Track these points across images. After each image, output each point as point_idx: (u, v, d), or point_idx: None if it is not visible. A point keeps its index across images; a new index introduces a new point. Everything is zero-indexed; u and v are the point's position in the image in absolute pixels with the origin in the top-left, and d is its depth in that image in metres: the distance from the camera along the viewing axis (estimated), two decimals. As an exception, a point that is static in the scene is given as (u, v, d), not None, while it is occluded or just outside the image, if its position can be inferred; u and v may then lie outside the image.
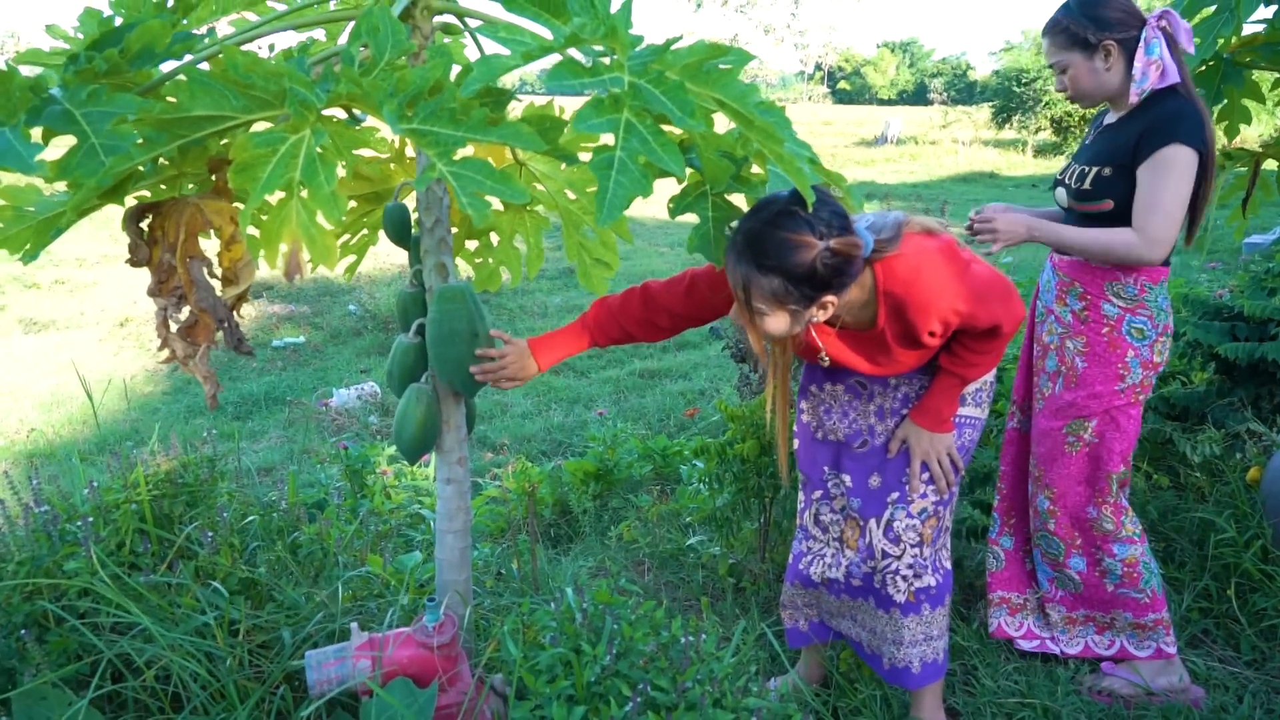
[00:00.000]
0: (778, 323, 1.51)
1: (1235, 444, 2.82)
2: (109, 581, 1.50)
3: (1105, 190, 1.88)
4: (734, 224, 1.49)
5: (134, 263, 1.25)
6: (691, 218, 1.51)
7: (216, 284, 1.35)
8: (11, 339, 8.14)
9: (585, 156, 1.61)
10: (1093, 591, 2.04)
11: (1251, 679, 2.05)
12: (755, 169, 1.54)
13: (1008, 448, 2.25)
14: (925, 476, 1.78)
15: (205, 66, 1.30)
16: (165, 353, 1.29)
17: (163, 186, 1.52)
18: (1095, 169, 1.90)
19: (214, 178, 1.36)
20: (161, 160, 1.56)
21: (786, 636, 2.02)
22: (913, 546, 1.77)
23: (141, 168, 1.53)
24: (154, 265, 1.28)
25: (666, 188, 1.59)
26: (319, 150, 1.09)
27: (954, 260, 1.59)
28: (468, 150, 1.74)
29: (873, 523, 1.81)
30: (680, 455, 3.73)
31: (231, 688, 1.45)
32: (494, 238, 2.20)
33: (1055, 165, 20.01)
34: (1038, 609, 2.22)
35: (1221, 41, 2.57)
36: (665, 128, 1.23)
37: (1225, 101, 2.63)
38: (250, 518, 1.89)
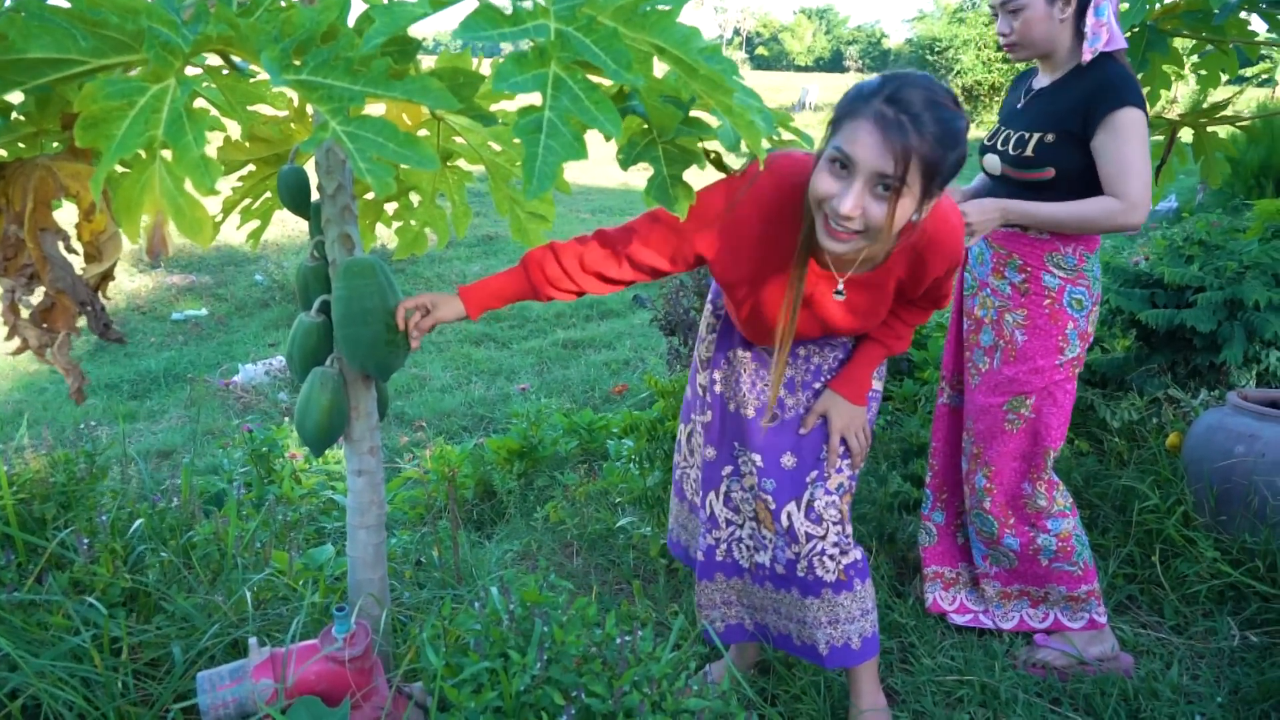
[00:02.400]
0: (905, 209, 1.34)
1: (1154, 410, 2.87)
2: (-40, 603, 1.31)
3: (1049, 157, 1.83)
4: (890, 86, 1.33)
5: (-30, 237, 1.06)
6: (601, 180, 1.38)
7: (76, 260, 1.16)
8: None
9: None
10: (1027, 567, 2.03)
11: (1177, 645, 2.07)
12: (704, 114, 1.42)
13: (938, 423, 2.21)
14: (840, 450, 1.72)
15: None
16: (16, 342, 1.10)
17: (20, 145, 1.31)
18: (1037, 135, 1.84)
19: (70, 135, 1.17)
20: (15, 115, 1.35)
21: (705, 636, 1.93)
22: (835, 524, 1.70)
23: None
24: (-4, 239, 1.09)
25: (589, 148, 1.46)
26: (187, 103, 0.93)
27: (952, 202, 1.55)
28: (379, 108, 1.57)
29: (791, 505, 1.72)
30: (606, 430, 3.62)
31: (113, 716, 1.29)
32: (414, 198, 2.04)
33: (970, 133, 20.47)
34: (971, 583, 2.21)
35: (1148, 8, 2.56)
36: (596, 79, 1.10)
37: (1149, 68, 2.62)
38: (137, 521, 1.70)
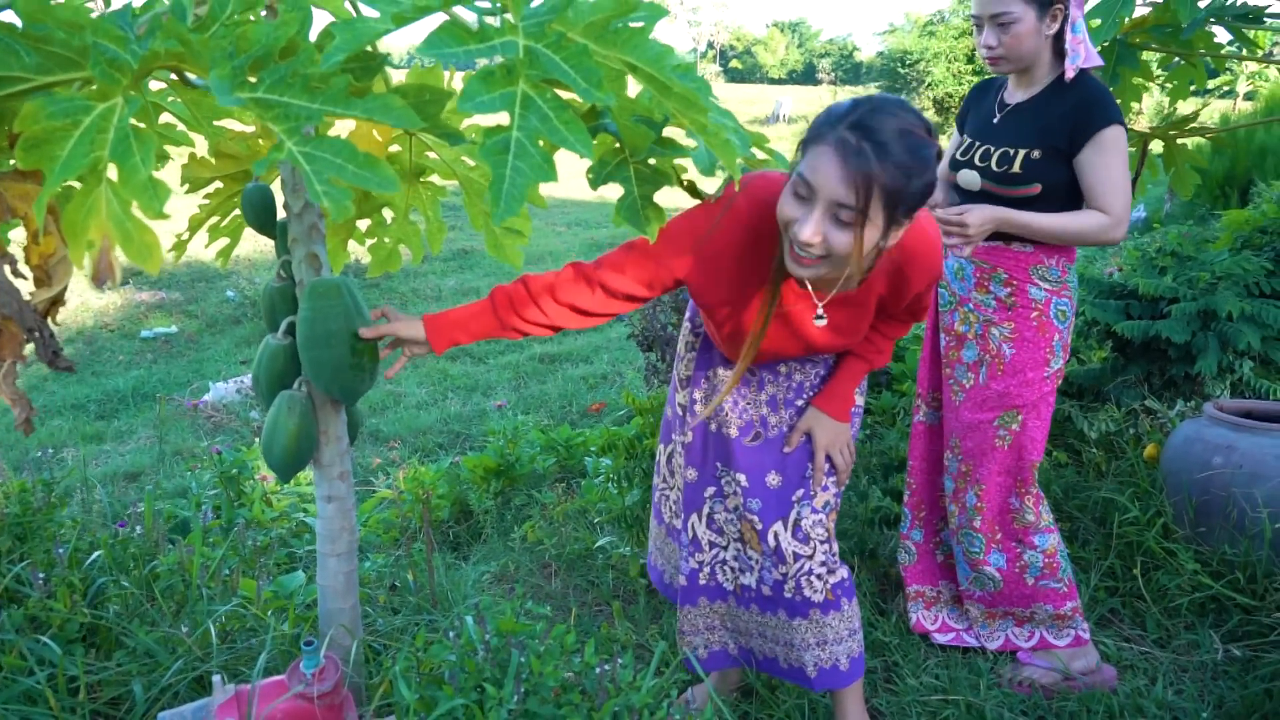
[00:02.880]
0: (869, 238, 1.31)
1: (1131, 420, 2.87)
2: (-97, 646, 1.24)
3: (1036, 174, 1.82)
4: (858, 112, 1.29)
5: (-91, 262, 1.01)
6: (578, 193, 1.35)
7: (25, 285, 1.11)
8: None
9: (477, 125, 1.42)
10: (1013, 588, 2.01)
11: (1161, 659, 2.06)
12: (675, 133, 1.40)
13: (915, 441, 2.19)
14: (826, 468, 1.70)
15: (8, 17, 1.06)
16: (-43, 372, 1.05)
17: (-32, 165, 1.26)
18: (1023, 151, 1.83)
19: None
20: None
21: (686, 664, 1.87)
22: (822, 543, 1.68)
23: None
24: (-62, 264, 1.04)
25: (564, 161, 1.42)
26: (134, 124, 0.88)
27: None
28: (349, 125, 1.53)
29: (779, 525, 1.69)
30: (584, 447, 3.58)
31: (67, 761, 1.23)
32: (387, 214, 2.00)
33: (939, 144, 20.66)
34: (953, 600, 2.18)
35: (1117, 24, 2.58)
36: (567, 96, 1.07)
37: (1120, 82, 2.64)
38: (96, 553, 1.64)
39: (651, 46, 1.04)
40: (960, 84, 22.36)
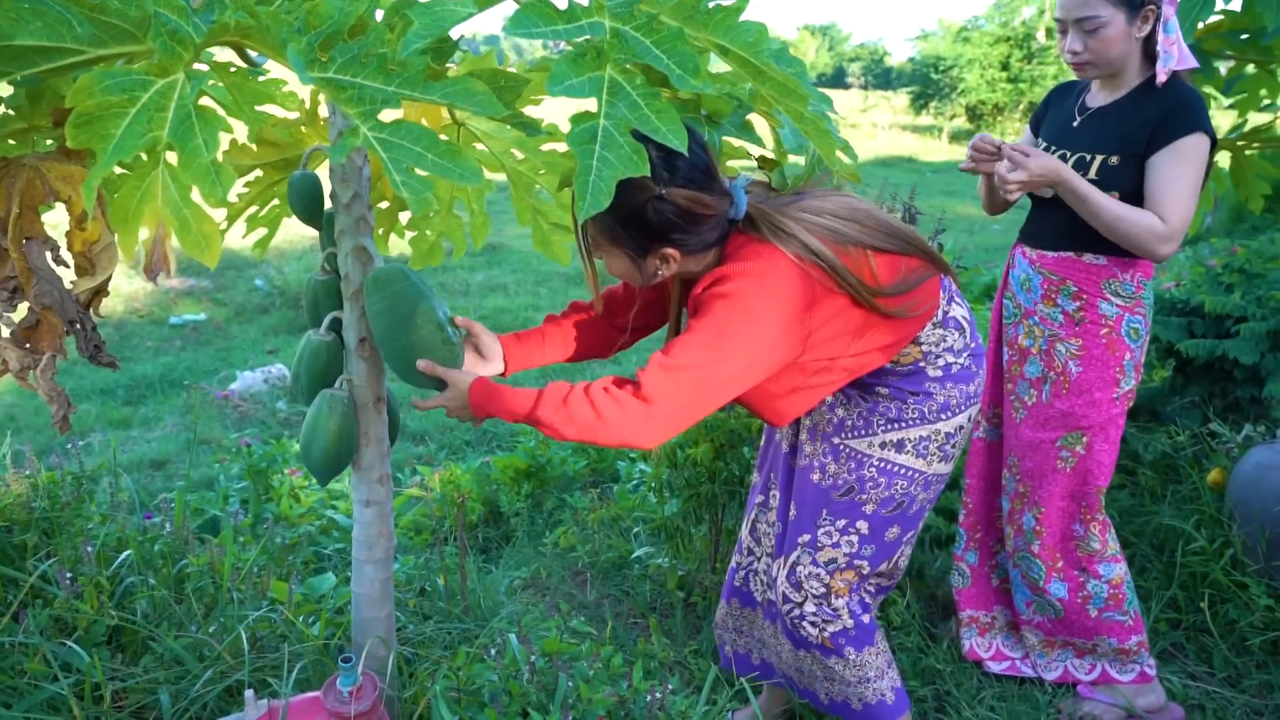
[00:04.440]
0: (617, 264, 1.40)
1: (1192, 443, 2.75)
2: (-72, 648, 1.18)
3: (1114, 181, 1.71)
4: None
5: (-53, 245, 0.94)
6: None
7: (66, 273, 1.05)
8: None
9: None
10: (1075, 617, 1.91)
11: (1233, 700, 1.95)
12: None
13: (973, 459, 2.09)
14: (840, 524, 1.57)
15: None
16: (-6, 363, 0.98)
17: (10, 142, 1.20)
18: (1100, 157, 1.73)
19: (63, 133, 1.05)
20: (4, 109, 1.24)
21: (719, 651, 1.88)
22: (815, 596, 1.59)
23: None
24: (-23, 248, 0.97)
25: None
26: (196, 101, 0.81)
27: (760, 293, 1.34)
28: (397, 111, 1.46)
29: (780, 560, 1.65)
30: (617, 450, 3.50)
31: (93, 775, 1.17)
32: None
33: (971, 152, 20.43)
34: (1008, 627, 2.08)
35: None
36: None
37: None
38: (125, 552, 1.57)
39: (746, 29, 0.96)
40: (994, 91, 22.08)
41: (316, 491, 2.97)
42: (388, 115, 1.84)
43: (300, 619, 1.69)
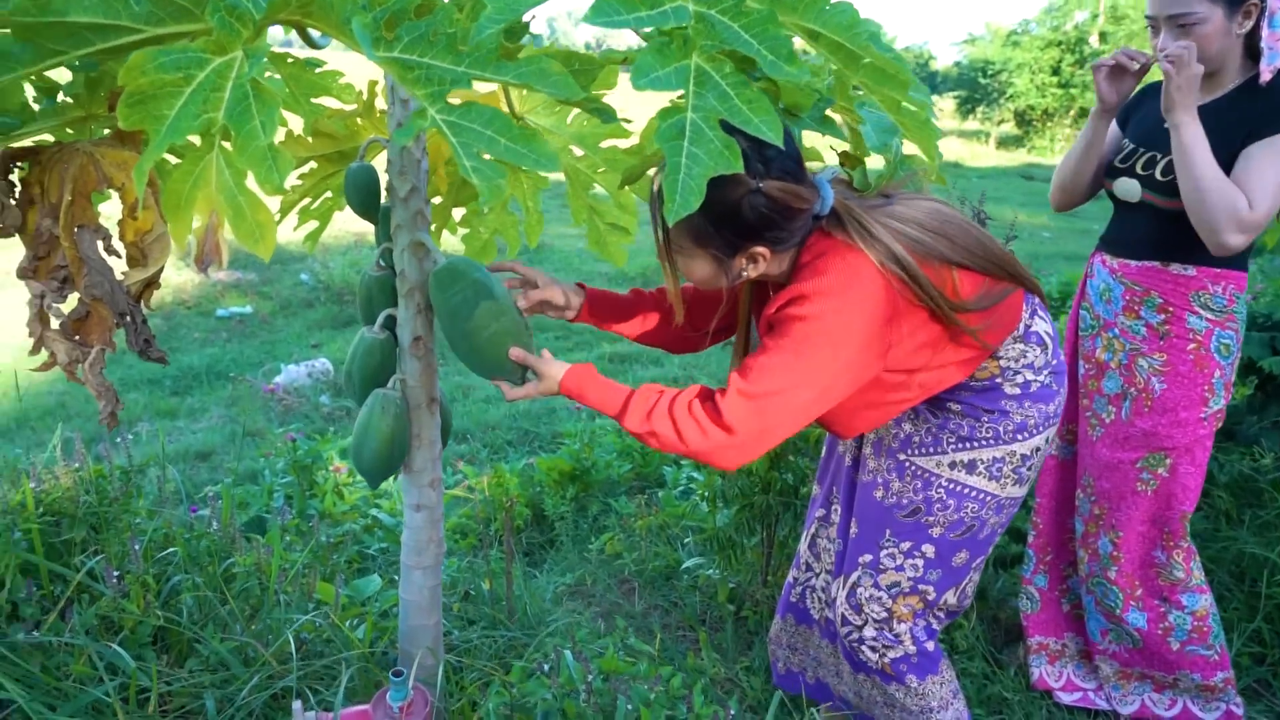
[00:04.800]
0: (700, 268, 1.32)
1: (1276, 466, 2.60)
2: (-31, 648, 1.15)
3: None
4: None
5: (-3, 231, 0.90)
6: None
7: (118, 264, 1.00)
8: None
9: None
10: (1155, 649, 1.79)
11: (1324, 742, 1.82)
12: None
13: (1045, 477, 1.98)
14: (905, 547, 1.48)
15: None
16: (42, 356, 0.94)
17: (69, 131, 1.16)
18: None
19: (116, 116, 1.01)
20: (63, 96, 1.20)
21: (772, 669, 1.81)
22: (876, 621, 1.51)
23: (35, 103, 1.17)
24: (28, 235, 0.93)
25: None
26: (255, 81, 0.76)
27: (841, 313, 1.24)
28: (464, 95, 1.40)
29: (840, 579, 1.56)
30: (661, 454, 3.43)
31: (133, 784, 1.12)
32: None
33: (1019, 157, 20.03)
34: (1079, 655, 1.97)
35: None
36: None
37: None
38: (171, 549, 1.54)
39: (840, 10, 0.88)
40: (1044, 96, 21.60)
41: (360, 489, 2.94)
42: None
43: (346, 623, 1.64)
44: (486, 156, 0.71)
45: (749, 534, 2.27)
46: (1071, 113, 21.68)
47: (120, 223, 0.96)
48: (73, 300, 0.96)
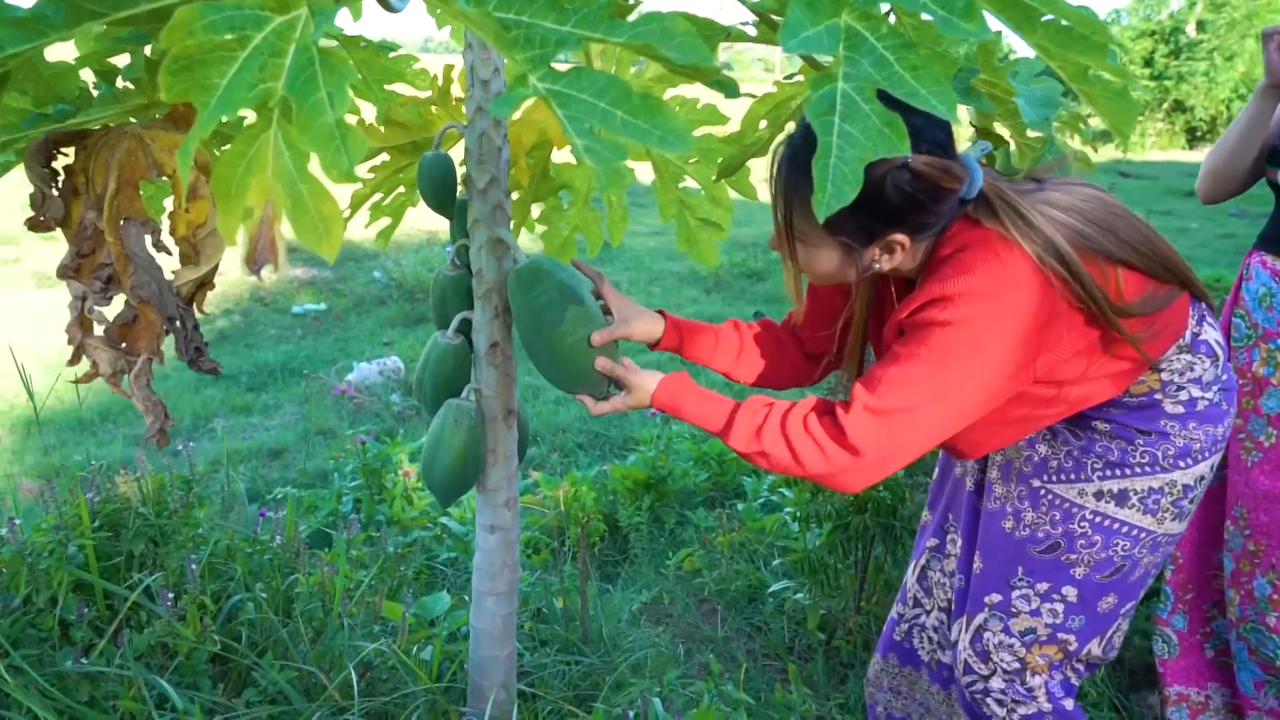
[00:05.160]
0: (824, 259, 1.15)
1: None
2: (6, 676, 1.06)
3: None
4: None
5: (37, 224, 0.80)
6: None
7: (169, 262, 0.89)
8: (23, 293, 7.77)
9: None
10: (1328, 706, 1.57)
11: None
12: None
13: (1188, 502, 1.76)
14: (1042, 589, 1.28)
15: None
16: (84, 365, 0.83)
17: (132, 120, 1.06)
18: None
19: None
20: (122, 81, 1.11)
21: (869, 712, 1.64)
22: (1006, 672, 1.31)
23: (94, 89, 1.08)
24: (70, 229, 0.82)
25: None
26: (322, 45, 0.63)
27: (992, 317, 1.07)
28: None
29: (963, 620, 1.37)
30: (739, 463, 3.27)
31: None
32: (564, 198, 1.76)
33: (1108, 154, 19.16)
34: (1226, 709, 1.75)
35: None
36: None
37: None
38: (232, 564, 1.44)
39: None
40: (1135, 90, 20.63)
41: (430, 494, 2.85)
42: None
43: (413, 649, 1.53)
44: (602, 133, 0.57)
45: (843, 556, 2.09)
46: (1165, 106, 20.68)
47: (171, 215, 0.85)
48: (118, 303, 0.85)
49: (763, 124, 1.45)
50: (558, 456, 4.28)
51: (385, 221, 1.75)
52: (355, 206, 1.67)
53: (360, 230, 1.69)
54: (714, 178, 1.57)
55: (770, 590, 2.21)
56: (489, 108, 1.19)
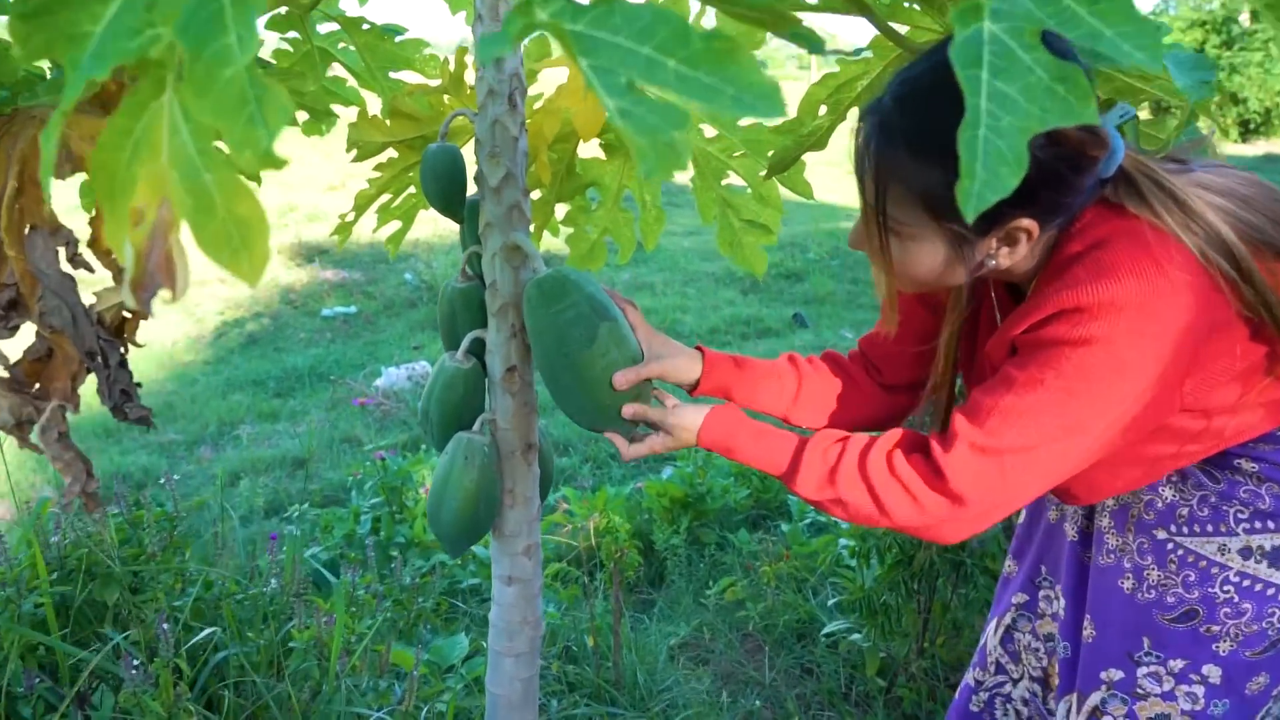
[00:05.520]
0: (926, 256, 0.92)
1: None
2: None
3: None
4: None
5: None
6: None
7: (101, 280, 0.71)
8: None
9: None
10: None
11: None
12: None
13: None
14: (1176, 667, 1.05)
15: None
16: (-14, 411, 0.65)
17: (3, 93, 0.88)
18: None
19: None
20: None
21: None
22: None
23: (50, 71, 0.90)
24: (-33, 240, 0.64)
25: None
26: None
27: (1140, 334, 0.84)
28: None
29: (1072, 698, 1.14)
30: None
31: None
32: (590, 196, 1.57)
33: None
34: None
35: None
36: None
37: None
38: (210, 632, 1.27)
39: None
40: (1184, 82, 20.01)
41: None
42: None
43: (424, 708, 1.35)
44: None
45: (907, 596, 1.87)
46: (1215, 102, 20.02)
47: (91, 221, 0.67)
48: (27, 333, 0.68)
49: (822, 110, 1.25)
50: (589, 468, 4.10)
51: (396, 225, 1.58)
52: (361, 209, 1.50)
53: (367, 231, 1.51)
54: (763, 174, 1.38)
55: (825, 632, 2.00)
56: (477, 49, 0.98)
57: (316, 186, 10.44)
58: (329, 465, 4.32)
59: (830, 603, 2.14)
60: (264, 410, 5.41)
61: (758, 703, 1.85)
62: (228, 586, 1.35)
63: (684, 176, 1.58)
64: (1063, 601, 1.19)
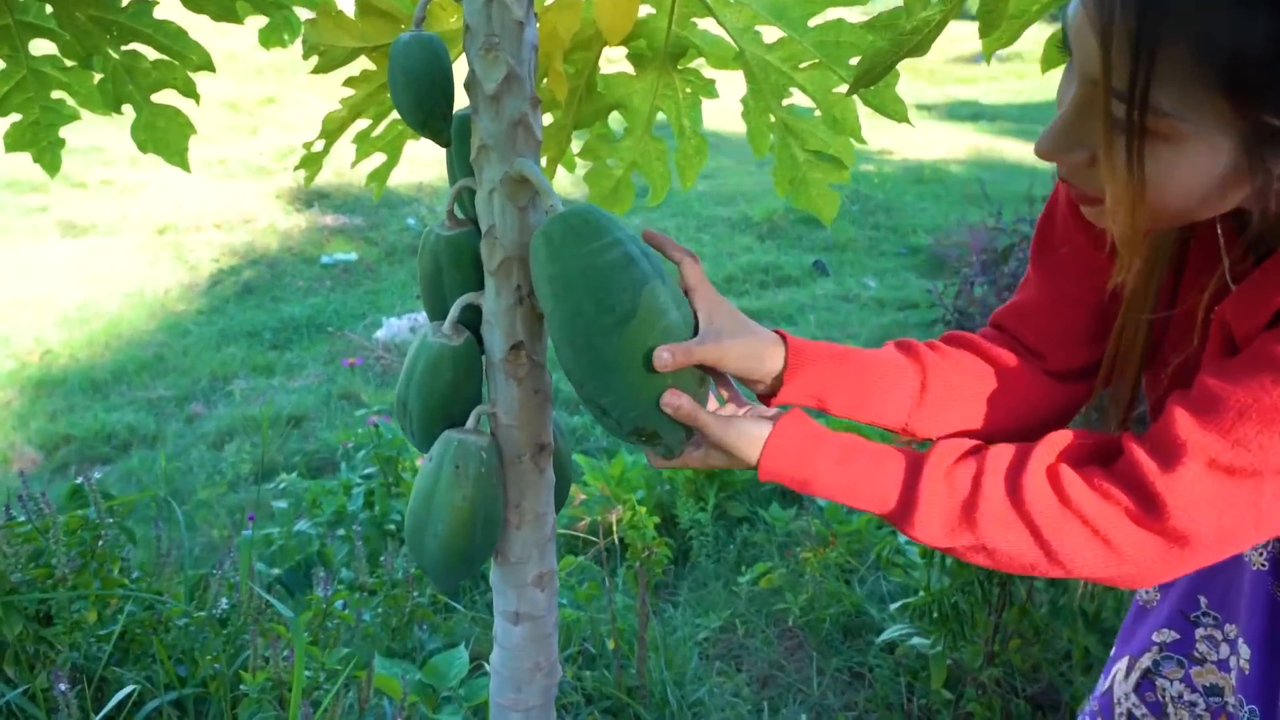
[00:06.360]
0: (1199, 169, 0.58)
1: None
2: None
3: None
4: None
5: None
6: None
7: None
8: (47, 243, 7.47)
9: None
10: None
11: None
12: None
13: None
14: None
15: None
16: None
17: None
18: None
19: None
20: None
21: None
22: None
23: None
24: None
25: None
26: None
27: None
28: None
29: None
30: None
31: None
32: (615, 123, 1.26)
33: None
34: None
35: None
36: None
37: None
38: (129, 690, 1.00)
39: None
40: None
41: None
42: None
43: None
44: None
45: (980, 599, 1.60)
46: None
47: None
48: None
49: (936, -7, 0.92)
50: (634, 506, 3.83)
51: (380, 159, 1.27)
52: (331, 135, 1.19)
53: (398, 171, 1.21)
54: (842, 89, 1.07)
55: (884, 638, 1.73)
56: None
57: (317, 128, 10.06)
58: (324, 425, 4.07)
59: (885, 591, 1.88)
60: (259, 363, 5.14)
61: (803, 717, 1.60)
62: (169, 611, 1.08)
63: (731, 96, 1.27)
64: (1243, 648, 0.91)
